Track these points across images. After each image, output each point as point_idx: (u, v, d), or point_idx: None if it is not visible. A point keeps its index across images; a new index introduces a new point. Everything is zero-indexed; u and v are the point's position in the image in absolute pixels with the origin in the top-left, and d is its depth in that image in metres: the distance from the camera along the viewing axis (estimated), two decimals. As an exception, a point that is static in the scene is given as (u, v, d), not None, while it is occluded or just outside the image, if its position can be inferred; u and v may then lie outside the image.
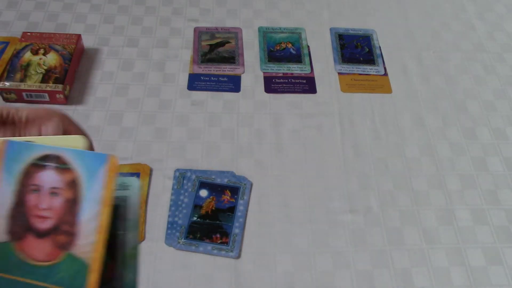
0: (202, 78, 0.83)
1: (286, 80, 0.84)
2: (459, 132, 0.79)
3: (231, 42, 0.89)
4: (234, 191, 0.69)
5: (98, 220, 0.30)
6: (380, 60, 0.88)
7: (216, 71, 0.84)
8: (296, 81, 0.84)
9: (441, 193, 0.72)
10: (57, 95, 0.75)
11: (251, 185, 0.70)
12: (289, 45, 0.89)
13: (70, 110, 0.76)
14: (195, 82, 0.82)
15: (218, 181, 0.70)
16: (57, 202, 0.30)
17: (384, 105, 0.82)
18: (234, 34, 0.90)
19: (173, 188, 0.69)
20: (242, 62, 0.86)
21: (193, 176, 0.69)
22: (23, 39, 0.81)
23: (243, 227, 0.66)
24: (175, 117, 0.77)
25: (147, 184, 0.69)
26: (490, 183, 0.73)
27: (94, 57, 0.84)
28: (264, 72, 0.85)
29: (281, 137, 0.76)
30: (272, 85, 0.83)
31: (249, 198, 0.68)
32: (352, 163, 0.74)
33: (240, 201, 0.68)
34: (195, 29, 0.90)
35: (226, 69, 0.84)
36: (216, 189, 0.69)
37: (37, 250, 0.30)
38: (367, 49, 0.90)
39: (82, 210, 0.30)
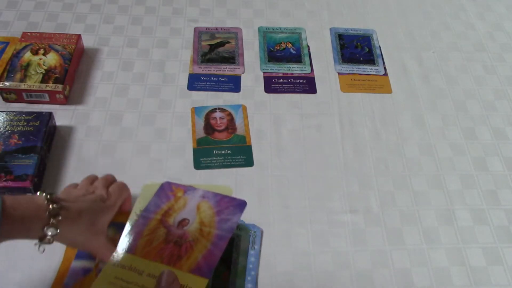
0: (202, 78, 0.83)
1: (286, 80, 0.84)
2: (459, 132, 0.79)
3: (231, 42, 0.89)
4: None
5: None
6: (380, 60, 0.88)
7: (216, 71, 0.84)
8: (296, 81, 0.84)
9: (441, 193, 0.72)
10: (57, 95, 0.75)
11: (262, 233, 0.62)
12: (289, 45, 0.89)
13: (70, 110, 0.76)
14: (195, 82, 0.82)
15: None
16: None
17: (384, 105, 0.82)
18: (234, 34, 0.90)
19: None
20: (242, 62, 0.86)
21: None
22: (23, 39, 0.81)
23: (255, 282, 0.57)
24: (175, 117, 0.77)
25: None
26: (490, 183, 0.73)
27: (94, 57, 0.84)
28: (264, 72, 0.85)
29: (281, 137, 0.76)
30: (272, 85, 0.83)
31: (260, 248, 0.60)
32: (352, 163, 0.74)
33: (251, 251, 0.57)
34: (195, 29, 0.90)
35: (226, 69, 0.84)
36: None
37: None
38: (367, 49, 0.90)
39: None
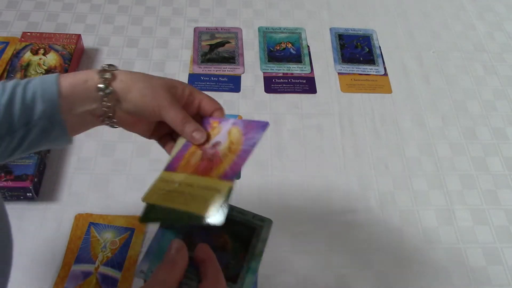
0: (202, 78, 0.83)
1: (286, 80, 0.84)
2: (459, 132, 0.79)
3: (231, 42, 0.89)
4: None
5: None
6: (380, 60, 0.88)
7: (216, 71, 0.84)
8: (296, 81, 0.84)
9: (441, 193, 0.72)
10: (57, 95, 0.75)
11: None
12: (289, 45, 0.89)
13: (70, 110, 0.76)
14: (195, 82, 0.82)
15: None
16: None
17: (384, 105, 0.82)
18: (234, 34, 0.90)
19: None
20: (242, 62, 0.86)
21: None
22: (23, 39, 0.81)
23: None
24: (175, 117, 0.77)
25: (141, 242, 0.63)
26: (490, 183, 0.73)
27: (94, 57, 0.84)
28: (264, 72, 0.85)
29: (281, 137, 0.76)
30: (272, 85, 0.83)
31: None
32: (352, 163, 0.74)
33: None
34: (195, 29, 0.90)
35: (226, 69, 0.84)
36: None
37: None
38: (367, 49, 0.90)
39: None
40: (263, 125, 0.50)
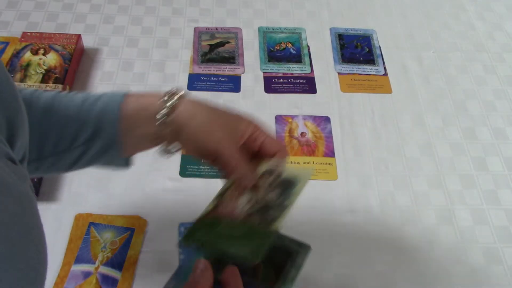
0: (202, 78, 0.83)
1: (286, 80, 0.84)
2: (459, 132, 0.79)
3: (231, 42, 0.89)
4: None
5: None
6: (380, 60, 0.88)
7: (216, 71, 0.84)
8: (296, 81, 0.84)
9: (441, 193, 0.72)
10: (57, 95, 0.75)
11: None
12: (289, 45, 0.89)
13: (70, 110, 0.76)
14: (195, 82, 0.82)
15: None
16: None
17: (384, 105, 0.82)
18: (234, 34, 0.90)
19: (180, 247, 0.62)
20: (242, 62, 0.86)
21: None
22: (23, 39, 0.81)
23: None
24: (175, 117, 0.77)
25: (141, 242, 0.63)
26: (490, 183, 0.73)
27: (94, 57, 0.84)
28: (264, 72, 0.85)
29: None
30: (272, 85, 0.83)
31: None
32: (352, 163, 0.74)
33: None
34: (195, 29, 0.90)
35: (226, 69, 0.84)
36: None
37: None
38: (367, 49, 0.90)
39: None
40: (327, 119, 0.76)
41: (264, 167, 0.48)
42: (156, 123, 0.45)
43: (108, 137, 0.45)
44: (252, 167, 0.48)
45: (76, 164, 0.47)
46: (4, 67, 0.36)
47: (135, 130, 0.46)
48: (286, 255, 0.46)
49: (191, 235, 0.45)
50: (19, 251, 0.29)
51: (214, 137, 0.46)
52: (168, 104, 0.45)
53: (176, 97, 0.45)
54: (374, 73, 0.86)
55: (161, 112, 0.44)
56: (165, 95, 0.45)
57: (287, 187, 0.48)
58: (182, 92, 0.46)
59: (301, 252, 0.46)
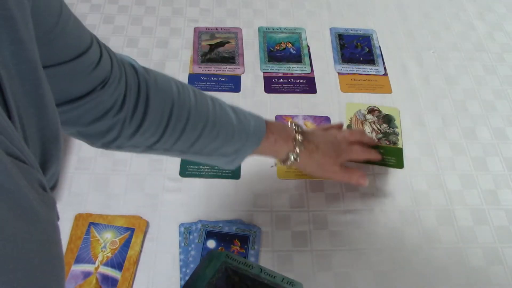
0: (202, 78, 0.83)
1: (286, 80, 0.84)
2: (459, 132, 0.79)
3: (231, 42, 0.89)
4: (244, 240, 0.64)
5: None
6: (380, 60, 0.88)
7: (216, 71, 0.84)
8: (296, 81, 0.84)
9: (441, 193, 0.72)
10: (57, 95, 0.75)
11: (261, 232, 0.65)
12: (289, 45, 0.89)
13: (70, 110, 0.76)
14: (195, 82, 0.82)
15: (226, 229, 0.65)
16: None
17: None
18: (234, 34, 0.90)
19: (180, 246, 0.64)
20: (242, 62, 0.86)
21: (199, 225, 0.65)
22: (23, 39, 0.81)
23: None
24: (175, 117, 0.77)
25: (141, 242, 0.63)
26: (490, 183, 0.73)
27: (94, 57, 0.84)
28: (264, 72, 0.85)
29: (281, 137, 0.76)
30: (272, 85, 0.83)
31: (259, 248, 0.64)
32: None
33: (251, 251, 0.63)
34: (195, 29, 0.91)
35: (226, 69, 0.84)
36: (224, 239, 0.64)
37: None
38: (367, 49, 0.90)
39: None
40: (327, 119, 0.75)
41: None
42: (281, 164, 0.64)
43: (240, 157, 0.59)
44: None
45: (201, 154, 0.57)
46: (51, 95, 0.36)
47: (267, 152, 0.61)
48: None
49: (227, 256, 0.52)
50: (39, 281, 0.29)
51: (326, 174, 0.68)
52: (292, 160, 0.61)
53: (297, 149, 0.61)
54: (374, 73, 0.86)
55: (287, 163, 0.62)
56: (293, 139, 0.61)
57: (390, 119, 0.74)
58: (301, 139, 0.61)
59: None
